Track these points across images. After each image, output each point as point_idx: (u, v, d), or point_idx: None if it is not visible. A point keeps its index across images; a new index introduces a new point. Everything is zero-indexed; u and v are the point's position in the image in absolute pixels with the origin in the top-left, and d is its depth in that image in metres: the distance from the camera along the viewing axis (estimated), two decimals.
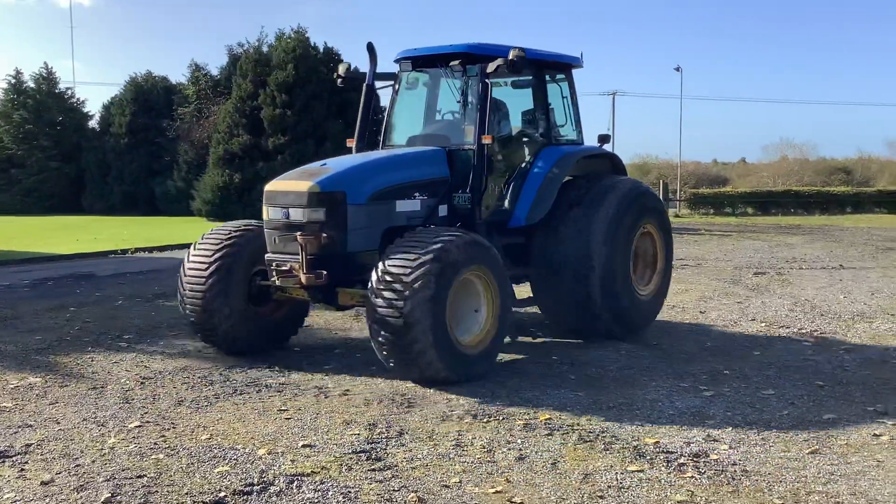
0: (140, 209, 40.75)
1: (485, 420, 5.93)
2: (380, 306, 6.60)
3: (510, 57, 7.80)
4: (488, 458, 5.16)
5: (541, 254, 8.44)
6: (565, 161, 8.65)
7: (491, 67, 7.90)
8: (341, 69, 9.05)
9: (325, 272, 7.07)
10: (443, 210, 8.05)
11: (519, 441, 5.48)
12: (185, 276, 7.75)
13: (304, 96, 33.18)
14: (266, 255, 7.56)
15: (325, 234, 7.09)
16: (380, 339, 6.69)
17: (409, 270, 6.56)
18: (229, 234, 7.84)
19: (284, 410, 6.18)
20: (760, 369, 7.54)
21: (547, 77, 9.02)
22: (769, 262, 16.86)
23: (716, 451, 5.29)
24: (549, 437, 5.57)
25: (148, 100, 43.27)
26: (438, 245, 6.71)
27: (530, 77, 8.87)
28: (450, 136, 8.44)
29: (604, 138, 9.48)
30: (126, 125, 42.93)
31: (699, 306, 11.18)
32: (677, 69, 49.11)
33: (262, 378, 7.16)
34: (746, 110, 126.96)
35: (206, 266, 7.64)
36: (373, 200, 7.39)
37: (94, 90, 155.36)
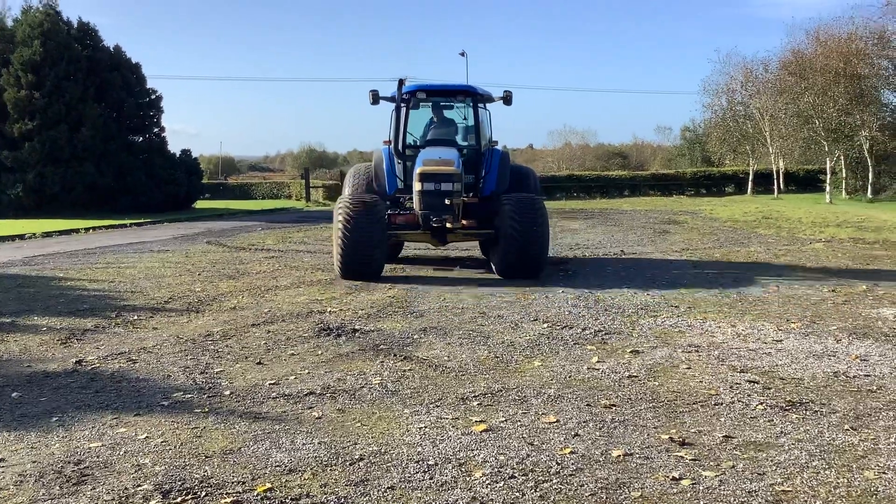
0: None
1: (178, 500, 4.32)
2: (515, 230, 11.98)
3: (504, 95, 13.87)
4: None
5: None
6: (505, 157, 13.95)
7: (489, 100, 14.02)
8: (371, 96, 13.38)
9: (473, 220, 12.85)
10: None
11: None
12: (350, 228, 11.79)
13: (54, 76, 29.47)
14: (420, 212, 12.46)
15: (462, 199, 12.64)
16: (513, 249, 12.10)
17: (536, 211, 12.29)
18: (368, 200, 12.28)
19: None
20: (542, 387, 6.43)
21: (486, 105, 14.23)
22: (552, 251, 16.23)
23: None
24: None
25: None
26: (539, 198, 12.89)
27: (484, 104, 14.03)
28: (455, 139, 13.89)
29: (494, 143, 13.99)
30: None
31: (479, 306, 10.08)
32: (462, 54, 49.07)
33: None
34: (534, 97, 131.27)
35: (369, 220, 11.89)
36: (463, 177, 12.70)
37: None
